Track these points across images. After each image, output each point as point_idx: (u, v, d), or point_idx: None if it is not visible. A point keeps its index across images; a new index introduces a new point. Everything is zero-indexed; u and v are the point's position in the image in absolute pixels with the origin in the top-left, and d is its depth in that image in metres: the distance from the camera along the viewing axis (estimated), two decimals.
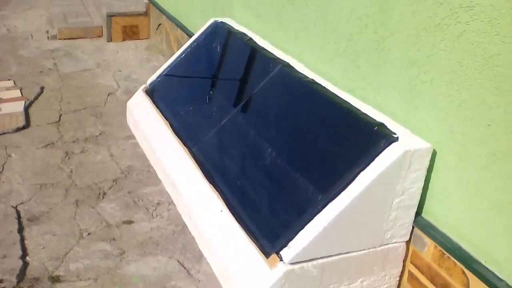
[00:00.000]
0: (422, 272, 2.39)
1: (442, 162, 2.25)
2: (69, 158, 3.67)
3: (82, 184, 3.37)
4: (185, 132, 3.26)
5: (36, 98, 4.56)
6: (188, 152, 3.07)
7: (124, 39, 6.36)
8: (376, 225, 2.30)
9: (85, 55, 5.80)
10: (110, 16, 6.21)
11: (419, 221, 2.38)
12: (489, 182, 2.04)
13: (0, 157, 3.62)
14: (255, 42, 3.49)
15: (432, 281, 2.33)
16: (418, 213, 2.39)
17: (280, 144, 2.71)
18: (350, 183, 2.21)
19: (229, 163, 2.84)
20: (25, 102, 4.42)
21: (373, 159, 2.22)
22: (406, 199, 2.29)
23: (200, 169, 2.90)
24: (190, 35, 4.94)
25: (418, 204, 2.35)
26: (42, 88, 4.76)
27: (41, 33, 6.49)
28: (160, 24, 6.05)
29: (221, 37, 3.77)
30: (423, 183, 2.30)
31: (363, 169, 2.22)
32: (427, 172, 2.28)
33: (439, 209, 2.29)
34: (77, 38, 6.32)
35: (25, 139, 3.89)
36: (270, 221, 2.40)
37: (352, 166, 2.25)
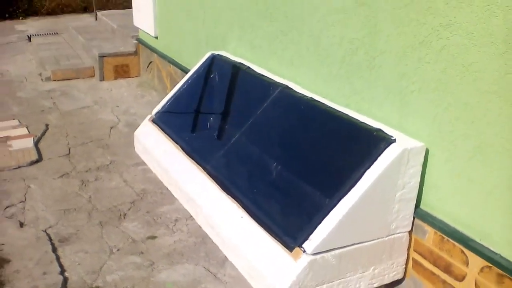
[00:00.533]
0: (425, 258, 2.72)
1: (435, 158, 2.61)
2: (85, 185, 3.93)
3: (103, 207, 3.64)
4: (197, 153, 3.56)
5: (43, 134, 4.83)
6: (203, 170, 3.38)
7: (116, 78, 6.70)
8: (383, 217, 2.64)
9: (81, 94, 6.10)
10: (102, 56, 6.56)
11: (419, 212, 2.72)
12: (477, 171, 2.41)
13: (20, 188, 3.87)
14: (253, 69, 3.85)
15: (435, 264, 2.66)
16: (417, 205, 2.73)
17: (290, 155, 3.04)
18: (358, 181, 2.55)
19: (243, 176, 3.15)
20: (33, 138, 4.68)
21: (376, 159, 2.57)
22: (406, 193, 2.64)
23: (217, 183, 3.21)
24: (183, 69, 5.30)
25: (417, 197, 2.71)
26: (47, 125, 5.03)
27: (34, 76, 6.79)
28: (151, 62, 6.40)
29: (220, 67, 4.13)
30: (419, 177, 2.66)
31: (368, 168, 2.57)
32: (422, 167, 2.64)
33: (435, 199, 2.65)
34: (70, 79, 6.64)
35: (40, 171, 4.14)
36: (289, 220, 2.71)
37: (359, 166, 2.60)
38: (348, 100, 3.17)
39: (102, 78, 6.64)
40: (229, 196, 3.07)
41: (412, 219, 2.74)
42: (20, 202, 3.69)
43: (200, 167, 3.42)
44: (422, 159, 2.62)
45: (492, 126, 2.31)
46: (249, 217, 2.87)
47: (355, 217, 2.54)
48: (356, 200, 2.52)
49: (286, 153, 3.08)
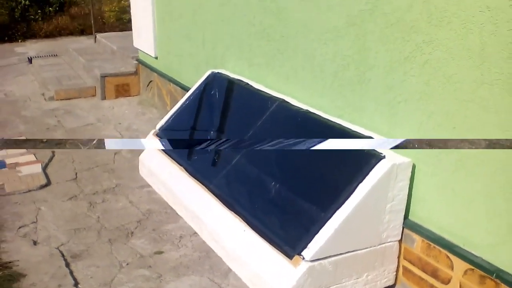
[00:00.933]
0: (413, 264, 2.92)
1: (421, 172, 2.82)
2: (93, 207, 4.12)
3: (111, 226, 3.82)
4: (200, 174, 3.75)
5: (50, 160, 4.94)
6: (206, 189, 3.57)
7: (117, 97, 6.92)
8: (375, 227, 2.84)
9: (84, 112, 6.32)
10: (103, 76, 6.80)
11: (407, 223, 2.93)
12: (459, 183, 2.62)
13: (31, 210, 4.05)
14: (251, 86, 4.07)
15: (423, 270, 2.86)
16: (406, 216, 2.94)
17: (287, 168, 3.25)
18: (352, 194, 2.76)
19: (244, 192, 3.35)
20: (41, 164, 4.85)
21: (368, 173, 2.78)
22: (396, 204, 2.85)
23: (220, 200, 3.41)
24: (183, 87, 5.52)
25: (405, 209, 2.91)
26: (53, 152, 5.10)
27: (37, 96, 7.01)
28: (151, 81, 6.62)
29: (220, 84, 4.34)
30: (407, 190, 2.86)
31: (360, 182, 2.78)
32: (410, 181, 2.85)
33: (422, 210, 2.85)
34: (73, 98, 6.86)
35: (50, 194, 4.33)
36: (288, 231, 2.91)
37: (352, 180, 2.80)
38: (341, 111, 3.38)
39: (104, 97, 6.86)
40: (232, 212, 3.27)
41: (401, 228, 2.94)
42: (32, 222, 3.88)
43: (203, 186, 3.60)
44: (409, 174, 2.83)
45: (470, 132, 2.52)
46: (251, 230, 3.07)
47: (349, 227, 2.75)
48: (350, 211, 2.73)
49: (283, 165, 3.28)
